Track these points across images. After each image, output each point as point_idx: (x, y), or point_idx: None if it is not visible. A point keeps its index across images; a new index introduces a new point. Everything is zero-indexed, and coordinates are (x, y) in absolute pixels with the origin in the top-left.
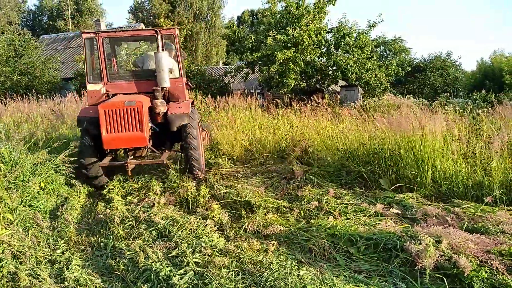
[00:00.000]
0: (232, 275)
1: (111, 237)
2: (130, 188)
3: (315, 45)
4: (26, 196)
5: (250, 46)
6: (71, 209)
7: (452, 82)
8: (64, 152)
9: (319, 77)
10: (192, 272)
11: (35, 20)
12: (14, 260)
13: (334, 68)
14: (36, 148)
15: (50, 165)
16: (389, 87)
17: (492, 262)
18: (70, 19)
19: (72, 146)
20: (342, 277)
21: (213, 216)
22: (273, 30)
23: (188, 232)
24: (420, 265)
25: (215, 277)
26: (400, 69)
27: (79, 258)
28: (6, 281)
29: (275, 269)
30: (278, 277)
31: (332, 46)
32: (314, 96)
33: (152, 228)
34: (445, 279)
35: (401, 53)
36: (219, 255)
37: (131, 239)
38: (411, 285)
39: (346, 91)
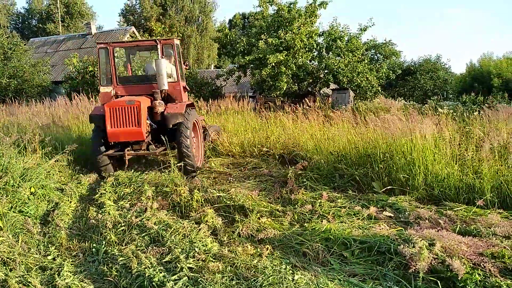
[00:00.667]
0: (226, 280)
1: (103, 242)
2: (122, 192)
3: (306, 49)
4: (16, 202)
5: (242, 49)
6: (62, 214)
7: (442, 85)
8: (55, 157)
9: (310, 80)
10: (186, 277)
11: (24, 23)
12: (4, 267)
13: (326, 71)
14: (26, 153)
15: (41, 170)
16: (380, 90)
17: (485, 265)
18: (60, 22)
19: (67, 150)
20: (337, 281)
21: (207, 221)
22: (265, 33)
23: (182, 237)
24: (414, 268)
25: (209, 283)
26: (391, 72)
27: (71, 264)
28: None
29: (269, 273)
30: (273, 282)
31: (324, 49)
32: (306, 99)
33: (145, 233)
34: (439, 282)
35: (391, 56)
36: (213, 260)
37: (124, 245)
38: None
39: (337, 94)
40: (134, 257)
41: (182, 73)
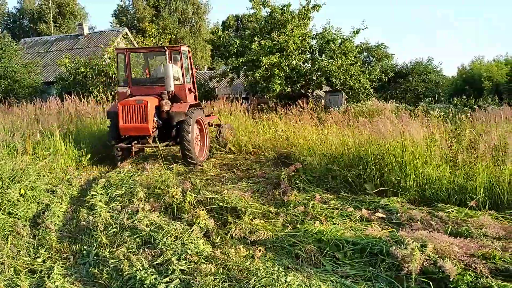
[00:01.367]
0: (218, 282)
1: (94, 244)
2: (114, 194)
3: (299, 51)
4: (5, 203)
5: (235, 51)
6: (53, 216)
7: (433, 88)
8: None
9: (303, 82)
10: (178, 280)
11: (16, 23)
12: None
13: (319, 73)
14: (17, 154)
15: (31, 171)
16: (372, 93)
17: (476, 266)
18: (52, 22)
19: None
20: (330, 282)
21: (199, 222)
22: (258, 35)
23: (173, 239)
24: (406, 269)
25: (202, 285)
26: (383, 74)
27: (61, 267)
28: None
29: (262, 275)
30: (265, 284)
31: (317, 51)
32: (299, 101)
33: (136, 235)
34: (431, 283)
35: (384, 59)
36: (205, 262)
37: (115, 247)
38: None
39: (330, 96)
40: (126, 260)
41: (190, 77)
